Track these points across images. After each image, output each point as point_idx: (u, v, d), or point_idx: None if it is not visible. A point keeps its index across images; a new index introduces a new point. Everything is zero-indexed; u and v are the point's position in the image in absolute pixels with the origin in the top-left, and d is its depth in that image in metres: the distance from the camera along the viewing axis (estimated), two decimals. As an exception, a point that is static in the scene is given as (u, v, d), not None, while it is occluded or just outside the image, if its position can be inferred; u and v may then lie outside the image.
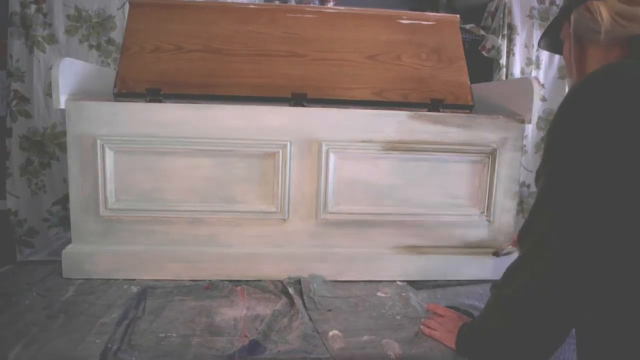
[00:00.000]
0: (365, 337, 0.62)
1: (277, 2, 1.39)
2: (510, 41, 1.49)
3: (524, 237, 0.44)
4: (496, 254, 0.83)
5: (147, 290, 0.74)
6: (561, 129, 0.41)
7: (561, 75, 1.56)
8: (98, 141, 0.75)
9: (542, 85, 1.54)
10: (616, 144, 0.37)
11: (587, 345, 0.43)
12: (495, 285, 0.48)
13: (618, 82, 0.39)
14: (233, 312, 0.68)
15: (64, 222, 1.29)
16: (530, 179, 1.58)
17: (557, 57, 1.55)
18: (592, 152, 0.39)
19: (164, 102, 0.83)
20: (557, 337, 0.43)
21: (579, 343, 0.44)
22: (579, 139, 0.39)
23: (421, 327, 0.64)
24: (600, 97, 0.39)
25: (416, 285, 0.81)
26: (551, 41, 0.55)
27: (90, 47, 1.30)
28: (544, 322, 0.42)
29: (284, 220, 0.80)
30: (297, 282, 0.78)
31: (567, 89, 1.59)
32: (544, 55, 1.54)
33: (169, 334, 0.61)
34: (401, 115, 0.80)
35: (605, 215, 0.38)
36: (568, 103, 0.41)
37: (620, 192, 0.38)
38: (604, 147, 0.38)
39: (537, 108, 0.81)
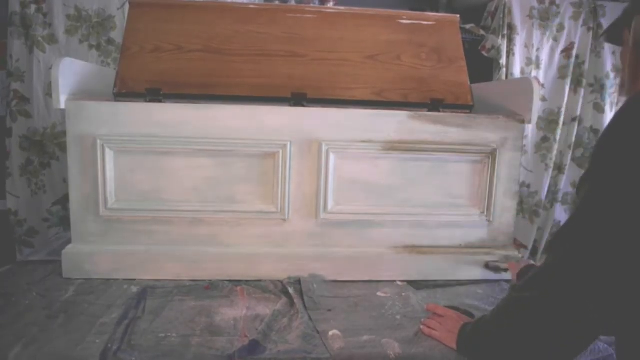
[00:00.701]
0: (365, 337, 0.62)
1: (277, 2, 1.39)
2: (510, 41, 1.49)
3: (557, 244, 0.44)
4: (487, 266, 0.83)
5: (147, 290, 0.74)
6: (612, 142, 0.41)
7: (561, 75, 1.56)
8: (98, 141, 0.75)
9: (542, 85, 1.54)
10: None
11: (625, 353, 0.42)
12: (515, 287, 0.47)
13: None
14: (233, 312, 0.67)
15: (64, 222, 1.29)
16: (530, 179, 1.58)
17: (557, 57, 1.55)
18: (637, 170, 0.38)
19: (164, 102, 0.83)
20: (565, 351, 0.43)
21: (618, 351, 0.43)
22: (629, 155, 0.39)
23: (421, 326, 0.64)
24: None
25: (416, 285, 0.81)
26: (613, 36, 0.53)
27: (90, 47, 1.30)
28: (556, 332, 0.42)
29: (284, 220, 0.80)
30: (297, 282, 0.78)
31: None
32: (544, 55, 1.54)
33: (169, 334, 0.61)
34: (401, 115, 0.80)
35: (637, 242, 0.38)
36: (623, 117, 0.41)
37: None
38: None
39: (537, 108, 0.81)
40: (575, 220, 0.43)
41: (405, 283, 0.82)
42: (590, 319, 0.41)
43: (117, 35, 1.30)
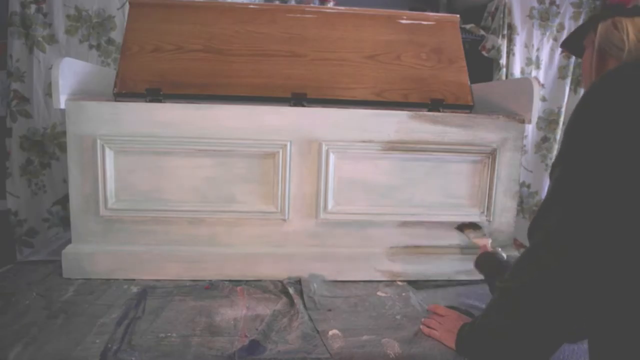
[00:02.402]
0: (365, 337, 0.62)
1: (277, 2, 1.39)
2: (510, 41, 1.49)
3: (534, 230, 0.44)
4: (460, 228, 0.81)
5: (147, 290, 0.74)
6: (577, 125, 0.41)
7: (561, 75, 1.56)
8: (98, 141, 0.75)
9: (542, 86, 1.54)
10: (631, 141, 0.38)
11: (598, 343, 0.42)
12: (501, 279, 0.48)
13: (633, 81, 0.39)
14: (233, 312, 0.67)
15: (64, 222, 1.29)
16: (530, 179, 1.58)
17: (557, 57, 1.55)
18: (606, 148, 0.39)
19: (164, 102, 0.83)
20: (560, 335, 0.43)
21: (591, 341, 0.44)
22: (594, 136, 0.40)
23: (421, 326, 0.64)
24: (615, 96, 0.39)
25: (416, 285, 0.81)
26: (573, 44, 0.56)
27: (90, 47, 1.30)
28: (548, 317, 0.42)
29: (284, 220, 0.80)
30: (297, 282, 0.78)
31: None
32: (544, 55, 1.54)
33: (169, 334, 0.61)
34: (401, 115, 0.80)
35: (617, 212, 0.38)
36: (585, 101, 0.42)
37: (632, 189, 0.38)
38: (619, 144, 0.38)
39: (537, 108, 0.81)
40: (547, 204, 0.43)
41: (405, 283, 0.82)
42: (572, 302, 0.41)
43: (117, 35, 1.30)
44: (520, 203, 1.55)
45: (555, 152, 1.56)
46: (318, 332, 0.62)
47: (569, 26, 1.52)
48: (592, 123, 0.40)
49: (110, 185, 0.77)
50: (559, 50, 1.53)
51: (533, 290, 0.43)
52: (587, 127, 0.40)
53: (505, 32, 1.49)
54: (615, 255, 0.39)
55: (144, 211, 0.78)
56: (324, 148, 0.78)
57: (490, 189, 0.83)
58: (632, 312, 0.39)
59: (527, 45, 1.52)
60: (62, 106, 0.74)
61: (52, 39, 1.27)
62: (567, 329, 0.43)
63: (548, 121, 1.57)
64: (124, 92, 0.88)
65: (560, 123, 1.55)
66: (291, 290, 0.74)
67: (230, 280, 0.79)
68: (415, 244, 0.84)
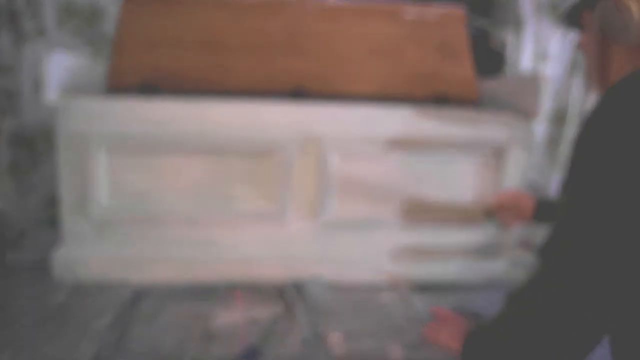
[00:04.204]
0: (367, 341, 0.60)
1: (275, -5, 1.35)
2: (519, 34, 1.46)
3: (549, 252, 0.42)
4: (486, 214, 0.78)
5: (141, 294, 0.72)
6: (592, 142, 0.39)
7: (571, 69, 1.52)
8: (90, 139, 0.72)
9: (551, 80, 1.51)
10: None
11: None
12: (511, 296, 0.46)
13: None
14: (231, 316, 0.66)
15: (55, 223, 1.26)
16: (537, 177, 1.55)
17: (567, 50, 1.51)
18: (625, 169, 0.37)
19: (159, 99, 0.80)
20: (574, 354, 0.42)
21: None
22: (611, 155, 0.37)
23: (424, 330, 0.62)
24: (632, 110, 0.37)
25: (420, 287, 0.79)
26: (574, 19, 0.50)
27: (82, 41, 1.26)
28: (561, 340, 0.41)
29: (284, 221, 0.78)
30: (297, 285, 0.77)
31: (581, 83, 1.54)
32: (553, 49, 1.50)
33: (164, 339, 0.59)
34: (405, 111, 0.78)
35: (636, 238, 0.37)
36: (600, 115, 0.39)
37: None
38: (636, 163, 0.36)
39: (545, 104, 0.79)
40: (562, 227, 0.41)
41: (408, 285, 0.80)
42: (588, 328, 0.40)
43: (109, 28, 1.26)
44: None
45: (561, 148, 1.52)
46: (318, 336, 0.61)
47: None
48: (608, 139, 0.38)
49: (103, 185, 0.74)
50: (570, 43, 1.50)
51: (544, 316, 0.41)
52: (603, 144, 0.38)
53: (513, 24, 1.45)
54: (635, 279, 0.37)
55: (137, 212, 0.76)
56: (325, 145, 0.76)
57: (497, 187, 0.81)
58: None
59: (537, 38, 1.48)
60: (52, 102, 0.71)
61: (41, 32, 1.23)
62: (582, 350, 0.41)
63: (557, 118, 1.54)
64: (116, 87, 0.85)
65: (570, 119, 1.52)
66: (291, 294, 0.73)
67: (228, 284, 0.77)
68: (419, 245, 0.82)
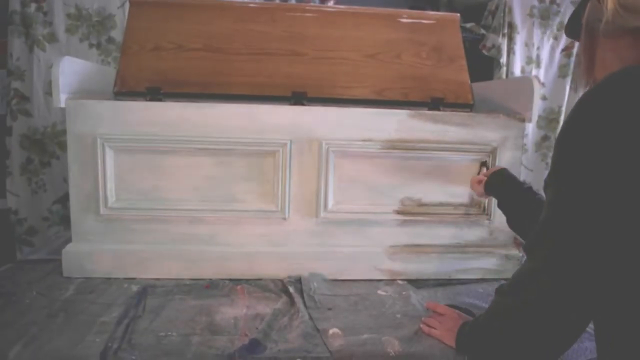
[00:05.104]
0: (365, 335, 0.62)
1: (277, 1, 1.39)
2: (511, 40, 1.49)
3: (533, 248, 0.43)
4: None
5: (147, 289, 0.74)
6: (573, 138, 0.40)
7: (561, 74, 1.55)
8: (98, 140, 0.75)
9: (543, 84, 1.54)
10: (631, 155, 0.36)
11: (607, 347, 0.42)
12: (501, 291, 0.47)
13: (633, 90, 0.37)
14: (233, 311, 0.67)
15: (64, 221, 1.29)
16: (530, 177, 1.58)
17: (557, 56, 1.55)
18: (605, 163, 0.37)
19: (164, 101, 0.83)
20: (561, 344, 0.43)
21: (599, 346, 0.43)
22: (591, 149, 0.38)
23: (421, 325, 0.64)
24: (615, 106, 0.37)
25: (416, 284, 0.81)
26: (573, 29, 0.51)
27: (91, 45, 1.30)
28: (549, 331, 0.42)
29: (284, 219, 0.80)
30: (298, 281, 0.78)
31: (570, 81, 1.56)
32: (545, 53, 1.53)
33: (169, 333, 0.61)
34: (401, 114, 0.80)
35: (618, 230, 0.37)
36: (580, 111, 0.39)
37: (634, 205, 0.36)
38: (618, 158, 0.36)
39: (537, 107, 0.81)
40: (545, 223, 0.42)
41: (405, 282, 0.82)
42: (574, 319, 0.41)
43: (117, 34, 1.30)
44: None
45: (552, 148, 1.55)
46: (318, 330, 0.62)
47: (570, 25, 1.52)
48: (588, 134, 0.38)
49: (111, 184, 0.76)
50: (560, 48, 1.53)
51: (532, 309, 0.42)
52: (585, 139, 0.38)
53: (505, 30, 1.49)
54: (618, 272, 0.38)
55: (144, 210, 0.78)
56: (324, 147, 0.78)
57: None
58: (634, 334, 0.38)
59: (528, 44, 1.51)
60: (63, 105, 0.74)
61: (52, 37, 1.27)
62: (566, 340, 0.42)
63: (548, 120, 1.56)
64: (124, 90, 0.88)
65: (561, 122, 1.55)
66: (291, 289, 0.74)
67: (230, 279, 0.79)
68: (415, 242, 0.84)
